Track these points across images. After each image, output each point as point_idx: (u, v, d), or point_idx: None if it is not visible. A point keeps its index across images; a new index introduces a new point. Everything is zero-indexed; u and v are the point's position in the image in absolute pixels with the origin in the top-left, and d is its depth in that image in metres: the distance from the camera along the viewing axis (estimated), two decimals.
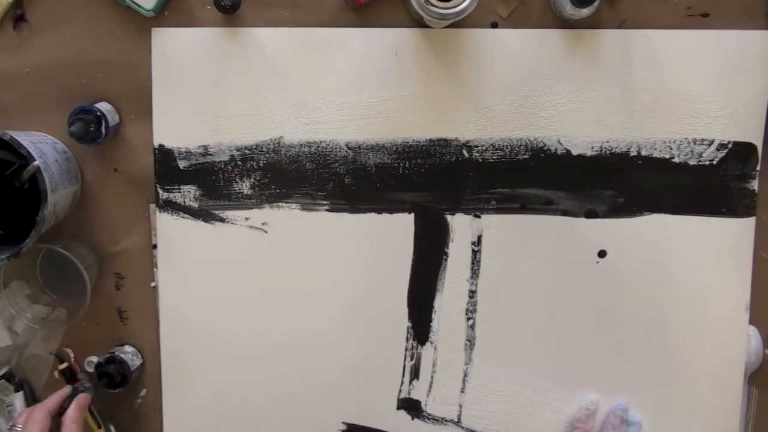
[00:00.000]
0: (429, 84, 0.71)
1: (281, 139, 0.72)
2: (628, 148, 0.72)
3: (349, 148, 0.72)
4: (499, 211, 0.73)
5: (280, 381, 0.75)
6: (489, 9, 0.70)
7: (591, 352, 0.74)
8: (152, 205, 0.73)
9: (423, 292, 0.74)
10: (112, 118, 0.70)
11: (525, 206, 0.73)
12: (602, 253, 0.73)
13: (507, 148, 0.72)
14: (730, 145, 0.71)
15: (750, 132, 0.71)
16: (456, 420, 0.76)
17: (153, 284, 0.74)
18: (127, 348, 0.74)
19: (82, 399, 0.66)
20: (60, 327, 0.75)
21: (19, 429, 0.62)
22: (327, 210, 0.73)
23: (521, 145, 0.72)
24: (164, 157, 0.72)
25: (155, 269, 0.74)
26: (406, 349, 0.75)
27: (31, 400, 0.75)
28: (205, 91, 0.71)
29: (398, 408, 0.76)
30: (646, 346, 0.74)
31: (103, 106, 0.69)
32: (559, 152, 0.72)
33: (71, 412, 0.65)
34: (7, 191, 0.68)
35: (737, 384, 0.74)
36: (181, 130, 0.72)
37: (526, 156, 0.72)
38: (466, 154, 0.72)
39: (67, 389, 0.68)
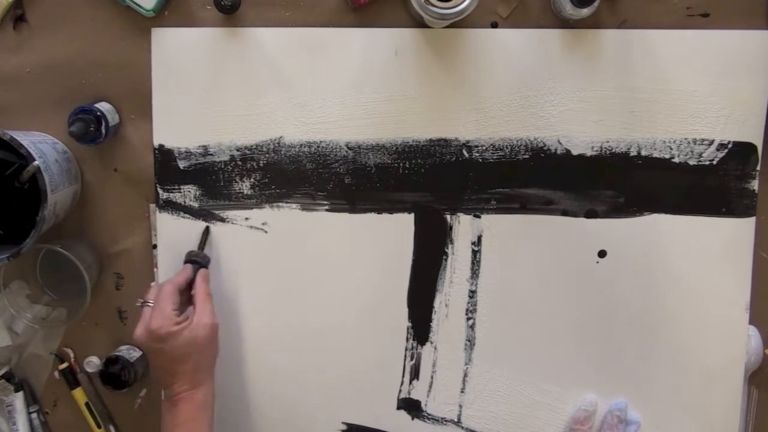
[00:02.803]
0: (429, 84, 0.71)
1: (281, 139, 0.72)
2: (628, 148, 0.72)
3: (349, 148, 0.72)
4: (499, 211, 0.73)
5: (280, 381, 0.75)
6: (489, 9, 0.70)
7: (591, 352, 0.74)
8: (152, 205, 0.73)
9: (423, 292, 0.74)
10: (112, 118, 0.70)
11: (525, 206, 0.73)
12: (602, 253, 0.73)
13: (507, 148, 0.72)
14: (730, 145, 0.71)
15: (750, 132, 0.71)
16: (456, 420, 0.76)
17: (153, 284, 0.74)
18: (122, 346, 0.74)
19: (204, 273, 0.70)
20: (60, 327, 0.75)
21: (151, 304, 0.65)
22: (327, 210, 0.73)
23: (521, 145, 0.72)
24: (164, 157, 0.72)
25: (155, 269, 0.74)
26: (406, 349, 0.75)
27: (31, 400, 0.75)
28: (205, 91, 0.71)
29: (398, 408, 0.76)
30: (646, 346, 0.74)
31: (103, 106, 0.69)
32: (559, 152, 0.72)
33: (202, 285, 0.68)
34: (7, 191, 0.68)
35: (737, 384, 0.74)
36: (181, 130, 0.72)
37: (526, 156, 0.72)
38: (466, 154, 0.72)
39: (189, 268, 0.69)
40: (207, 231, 0.73)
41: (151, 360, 0.66)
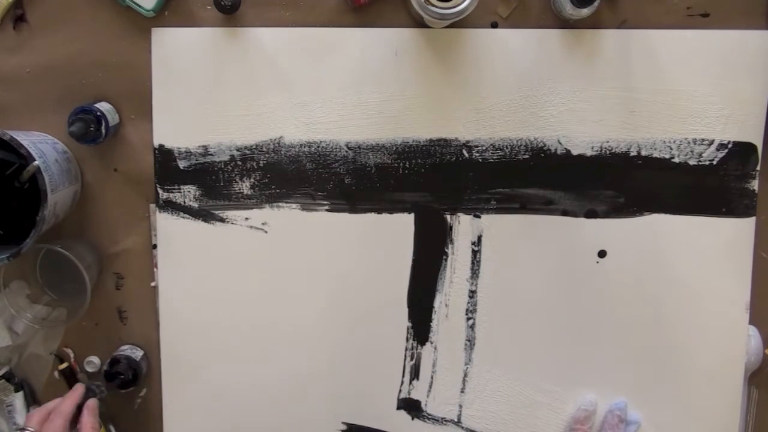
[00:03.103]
0: (429, 84, 0.71)
1: (281, 139, 0.72)
2: (628, 148, 0.72)
3: (349, 148, 0.72)
4: (499, 211, 0.73)
5: (280, 381, 0.75)
6: (489, 9, 0.70)
7: (591, 352, 0.74)
8: (152, 205, 0.73)
9: (423, 292, 0.74)
10: (112, 118, 0.70)
11: (525, 206, 0.73)
12: (602, 253, 0.73)
13: (507, 148, 0.72)
14: (730, 145, 0.71)
15: (750, 132, 0.71)
16: (456, 420, 0.76)
17: (153, 284, 0.74)
18: (124, 346, 0.74)
19: (92, 405, 0.66)
20: (60, 327, 0.75)
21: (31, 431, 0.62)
22: (327, 210, 0.73)
23: (521, 145, 0.72)
24: (164, 157, 0.72)
25: (155, 269, 0.74)
26: (406, 349, 0.75)
27: (31, 400, 0.75)
28: (205, 91, 0.71)
29: (398, 408, 0.76)
30: (646, 346, 0.74)
31: (103, 106, 0.69)
32: (559, 152, 0.72)
33: (88, 421, 0.64)
34: (7, 191, 0.68)
35: (737, 384, 0.74)
36: (181, 130, 0.72)
37: (526, 156, 0.72)
38: (466, 154, 0.72)
39: (80, 390, 0.67)
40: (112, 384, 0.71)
41: None
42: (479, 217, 0.73)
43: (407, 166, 0.72)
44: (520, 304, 0.74)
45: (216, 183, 0.73)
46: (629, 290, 0.73)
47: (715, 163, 0.72)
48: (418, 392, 0.76)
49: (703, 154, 0.72)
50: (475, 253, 0.73)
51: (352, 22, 0.71)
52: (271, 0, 0.70)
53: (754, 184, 0.72)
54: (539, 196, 0.73)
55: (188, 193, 0.73)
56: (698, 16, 0.70)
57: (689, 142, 0.71)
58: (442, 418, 0.76)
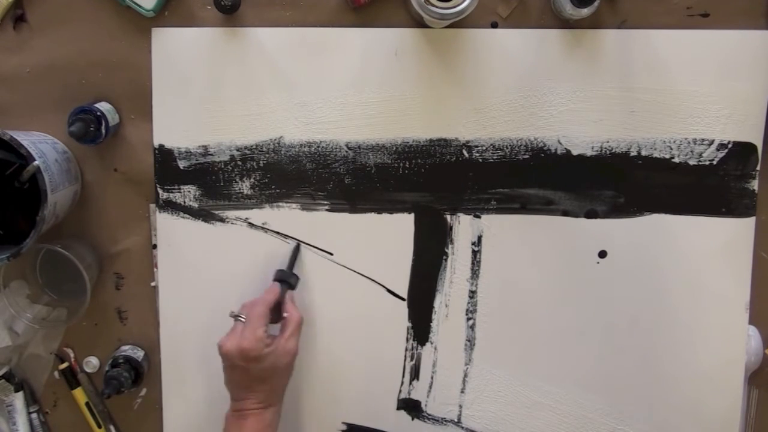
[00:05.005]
0: (429, 84, 0.71)
1: (281, 139, 0.72)
2: (628, 148, 0.72)
3: (349, 148, 0.72)
4: (499, 211, 0.73)
5: None
6: (489, 9, 0.70)
7: (591, 353, 0.74)
8: (152, 205, 0.73)
9: (423, 292, 0.74)
10: (112, 118, 0.70)
11: (525, 206, 0.73)
12: (602, 254, 0.73)
13: (507, 148, 0.72)
14: (730, 145, 0.71)
15: (750, 132, 0.71)
16: (456, 420, 0.76)
17: (153, 284, 0.74)
18: (125, 346, 0.74)
19: (292, 295, 0.71)
20: (60, 327, 0.75)
21: (243, 319, 0.66)
22: (327, 210, 0.73)
23: (521, 145, 0.72)
24: (164, 157, 0.72)
25: (155, 269, 0.74)
26: (406, 349, 0.75)
27: (31, 400, 0.75)
28: (205, 91, 0.71)
29: (398, 408, 0.76)
30: (646, 346, 0.74)
31: (103, 106, 0.69)
32: (559, 152, 0.72)
33: (294, 312, 0.68)
34: (7, 191, 0.68)
35: (737, 384, 0.74)
36: (181, 130, 0.72)
37: (526, 156, 0.72)
38: (466, 154, 0.72)
39: (278, 287, 0.70)
40: (297, 249, 0.73)
41: (231, 374, 0.65)
42: (479, 217, 0.73)
43: (407, 166, 0.72)
44: (520, 305, 0.74)
45: (216, 183, 0.73)
46: (629, 291, 0.73)
47: (715, 163, 0.72)
48: (418, 392, 0.76)
49: (703, 154, 0.72)
50: (475, 254, 0.73)
51: (352, 22, 0.71)
52: (271, 0, 0.70)
53: (754, 184, 0.72)
54: (539, 196, 0.73)
55: (188, 193, 0.73)
56: (698, 16, 0.70)
57: (689, 142, 0.71)
58: (442, 419, 0.76)
